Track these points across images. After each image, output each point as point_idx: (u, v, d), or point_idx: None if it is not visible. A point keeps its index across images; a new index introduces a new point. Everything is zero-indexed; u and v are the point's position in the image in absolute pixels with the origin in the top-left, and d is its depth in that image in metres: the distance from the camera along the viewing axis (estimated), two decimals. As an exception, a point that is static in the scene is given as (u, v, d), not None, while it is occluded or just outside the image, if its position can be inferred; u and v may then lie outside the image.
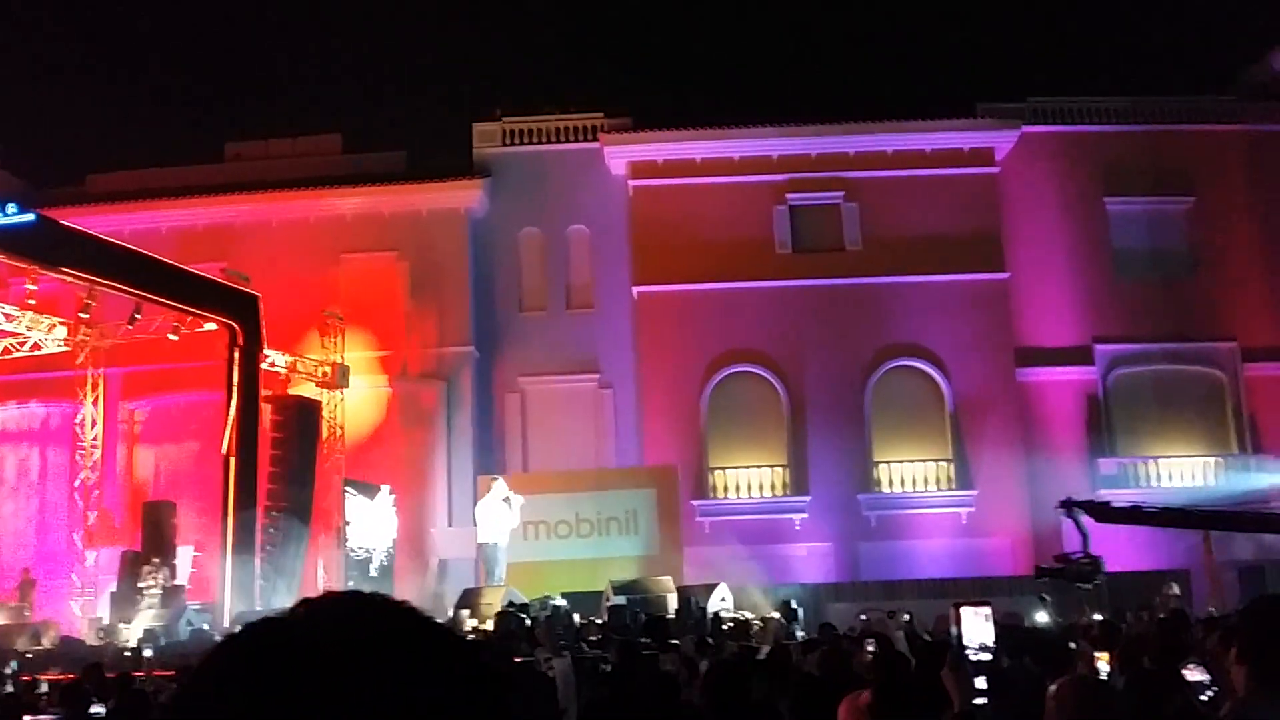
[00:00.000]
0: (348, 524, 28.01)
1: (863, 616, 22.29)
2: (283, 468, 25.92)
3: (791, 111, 33.98)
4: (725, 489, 32.21)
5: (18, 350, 26.78)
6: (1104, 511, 21.13)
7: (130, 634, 21.58)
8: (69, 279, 22.60)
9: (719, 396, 32.53)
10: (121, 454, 32.67)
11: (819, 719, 5.83)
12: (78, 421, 29.35)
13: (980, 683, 7.67)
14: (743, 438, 32.36)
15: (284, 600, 21.42)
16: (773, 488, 32.21)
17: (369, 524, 28.58)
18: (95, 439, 29.31)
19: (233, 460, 24.00)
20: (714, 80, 52.00)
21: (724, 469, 32.28)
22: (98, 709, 10.82)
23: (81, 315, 25.07)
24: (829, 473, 31.80)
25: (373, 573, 28.12)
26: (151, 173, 34.69)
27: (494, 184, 33.93)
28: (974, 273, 32.53)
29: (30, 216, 20.69)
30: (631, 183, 33.45)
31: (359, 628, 1.09)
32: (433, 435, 32.54)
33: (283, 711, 1.03)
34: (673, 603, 21.35)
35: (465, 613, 20.70)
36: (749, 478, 32.25)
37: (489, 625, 19.34)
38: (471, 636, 18.07)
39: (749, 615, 21.46)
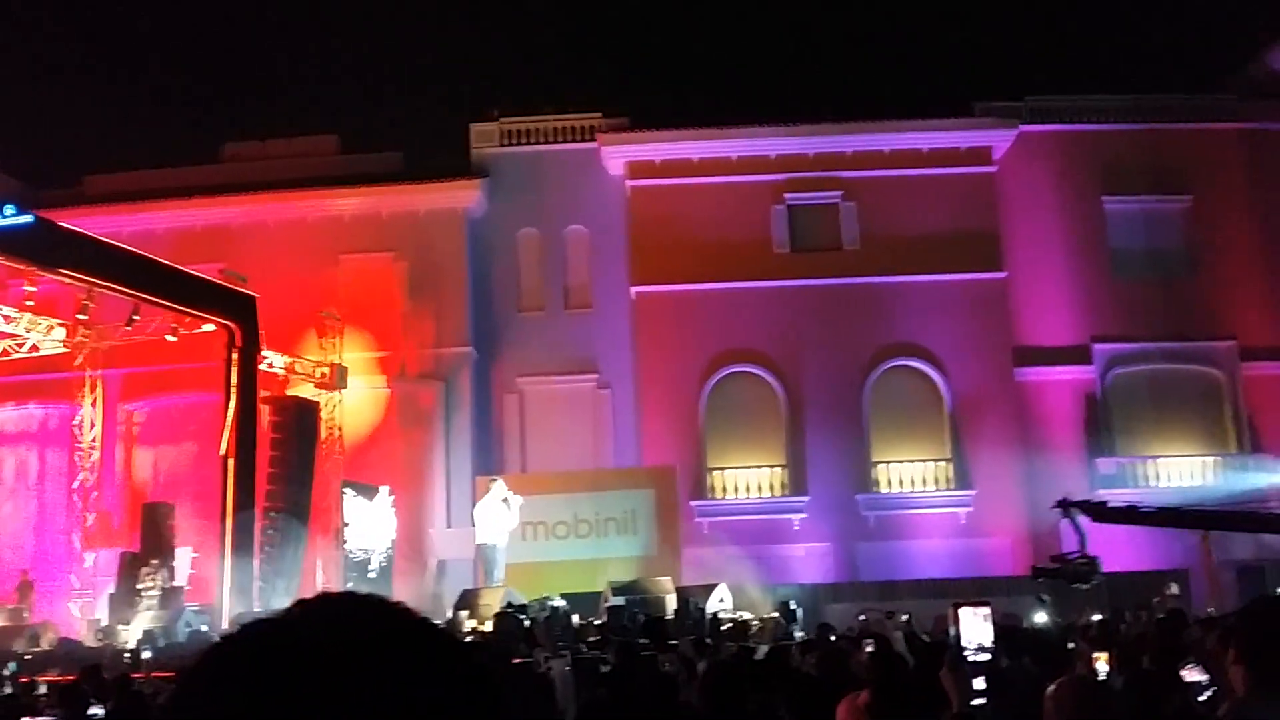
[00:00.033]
0: (346, 525, 28.00)
1: (861, 617, 22.30)
2: (281, 469, 25.90)
3: (789, 111, 33.98)
4: (724, 489, 32.21)
5: (16, 352, 26.75)
6: (1100, 511, 21.13)
7: (129, 635, 21.56)
8: (67, 280, 22.57)
9: (717, 397, 32.54)
10: (120, 455, 32.67)
11: (817, 719, 5.82)
12: (76, 423, 29.34)
13: (979, 683, 7.67)
14: (741, 438, 32.36)
15: (283, 601, 21.28)
16: (771, 488, 32.22)
17: (368, 525, 28.58)
18: (94, 440, 29.30)
19: (231, 461, 23.96)
20: (711, 80, 52.00)
21: (722, 469, 32.28)
22: (96, 710, 10.82)
23: (79, 317, 25.06)
24: (827, 473, 31.80)
25: (371, 574, 28.11)
26: (149, 174, 34.65)
27: (492, 184, 33.93)
28: (972, 272, 32.54)
29: (28, 218, 20.66)
30: (629, 183, 33.45)
31: (353, 628, 1.09)
32: (431, 436, 32.54)
33: (277, 712, 1.03)
34: (671, 603, 21.34)
35: (464, 613, 20.69)
36: (747, 478, 32.26)
37: (488, 626, 19.33)
38: (470, 637, 18.07)
39: (748, 616, 21.47)
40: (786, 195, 33.24)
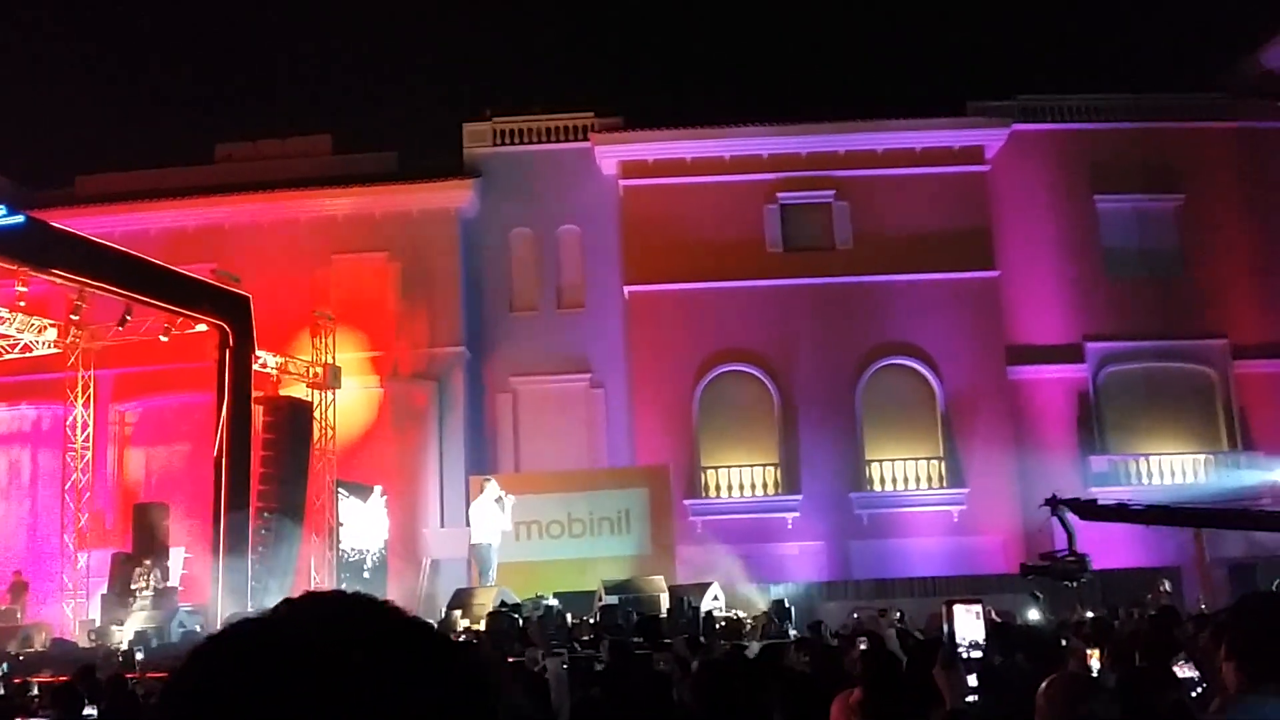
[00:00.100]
0: (340, 525, 27.99)
1: (855, 615, 22.32)
2: (274, 469, 25.85)
3: (782, 110, 34.00)
4: (717, 488, 32.21)
5: (8, 353, 26.66)
6: (1089, 509, 21.10)
7: (122, 636, 21.52)
8: (59, 281, 22.51)
9: (710, 396, 32.54)
10: (113, 456, 32.62)
11: (810, 717, 5.82)
12: (68, 423, 29.25)
13: (972, 680, 7.69)
14: (734, 437, 32.37)
15: (276, 601, 21.37)
16: (764, 487, 32.23)
17: (361, 525, 28.57)
18: (86, 441, 29.21)
19: (224, 461, 23.90)
20: (704, 79, 52.01)
21: (716, 468, 32.29)
22: (90, 711, 10.80)
23: (72, 317, 24.96)
24: (820, 471, 31.82)
25: (365, 574, 28.11)
26: (141, 174, 34.59)
27: (485, 184, 33.91)
28: (964, 271, 32.57)
29: (20, 218, 20.61)
30: (622, 182, 33.45)
31: (341, 627, 1.09)
32: (424, 436, 32.51)
33: (265, 710, 1.03)
34: (665, 602, 21.36)
35: (458, 613, 20.71)
36: (741, 477, 32.27)
37: (481, 625, 19.35)
38: (464, 637, 18.07)
39: (741, 614, 21.49)
40: (779, 194, 33.25)
